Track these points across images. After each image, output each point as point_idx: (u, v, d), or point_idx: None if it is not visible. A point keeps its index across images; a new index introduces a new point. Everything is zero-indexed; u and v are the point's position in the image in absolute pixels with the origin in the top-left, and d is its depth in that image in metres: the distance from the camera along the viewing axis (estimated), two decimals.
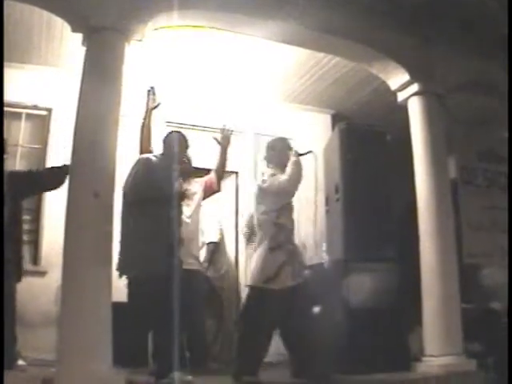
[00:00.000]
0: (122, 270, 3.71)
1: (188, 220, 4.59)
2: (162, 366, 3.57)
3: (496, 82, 5.05)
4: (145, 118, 4.31)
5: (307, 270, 4.08)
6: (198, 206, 4.80)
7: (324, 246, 5.02)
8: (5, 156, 4.07)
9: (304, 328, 3.88)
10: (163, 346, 3.54)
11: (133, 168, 3.91)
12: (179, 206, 3.98)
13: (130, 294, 3.73)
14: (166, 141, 4.19)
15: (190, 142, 4.31)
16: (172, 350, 3.54)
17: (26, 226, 4.99)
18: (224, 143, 4.63)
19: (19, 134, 5.36)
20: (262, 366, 3.84)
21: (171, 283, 3.54)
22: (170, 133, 4.28)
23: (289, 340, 3.96)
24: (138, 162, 3.95)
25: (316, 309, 3.97)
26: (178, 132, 4.32)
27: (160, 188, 3.80)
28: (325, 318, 4.51)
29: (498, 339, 4.35)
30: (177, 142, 4.16)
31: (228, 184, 5.94)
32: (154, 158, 4.01)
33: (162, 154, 4.11)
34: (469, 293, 4.67)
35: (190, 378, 3.57)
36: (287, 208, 4.07)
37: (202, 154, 5.22)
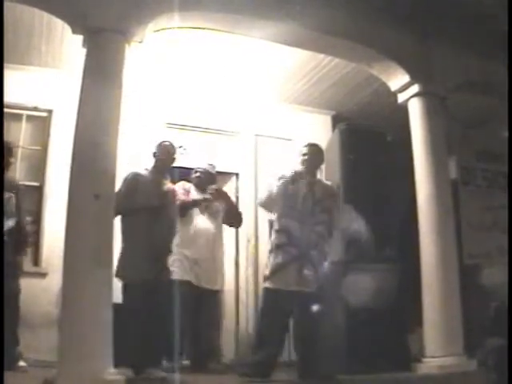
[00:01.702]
0: (116, 274, 3.86)
1: (203, 237, 4.66)
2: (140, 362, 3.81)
3: (496, 81, 5.05)
4: None
5: (320, 278, 3.90)
6: (219, 217, 4.86)
7: None
8: (12, 160, 4.30)
9: (309, 329, 3.87)
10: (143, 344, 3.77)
11: (123, 183, 4.11)
12: (167, 216, 4.21)
13: (123, 298, 3.92)
14: (157, 152, 4.34)
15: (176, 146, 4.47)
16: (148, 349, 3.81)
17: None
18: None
19: (20, 135, 5.36)
20: (273, 367, 3.82)
21: (155, 291, 3.80)
22: (159, 144, 4.37)
23: (296, 341, 3.97)
24: (127, 176, 4.17)
25: (319, 310, 3.95)
26: (167, 142, 4.40)
27: (147, 199, 4.06)
28: (326, 318, 4.51)
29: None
30: (166, 154, 4.33)
31: (229, 186, 5.95)
32: (143, 172, 4.25)
33: (154, 167, 4.31)
34: (469, 293, 4.66)
35: (163, 374, 3.78)
36: (287, 213, 3.99)
37: (202, 155, 5.24)
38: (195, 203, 4.67)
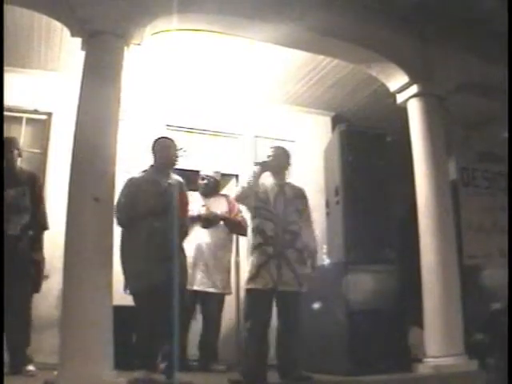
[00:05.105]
0: (125, 288, 3.82)
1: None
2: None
3: (496, 82, 5.05)
4: None
5: (302, 279, 3.87)
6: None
7: (324, 248, 5.02)
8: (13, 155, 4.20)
9: (290, 329, 3.83)
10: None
11: (122, 190, 3.90)
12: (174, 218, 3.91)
13: (136, 307, 3.81)
14: (155, 149, 4.10)
15: (178, 145, 4.16)
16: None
17: None
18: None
19: (20, 138, 5.32)
20: (265, 371, 3.79)
21: (165, 297, 3.57)
22: (156, 140, 4.16)
23: (277, 341, 3.92)
24: (127, 183, 3.95)
25: (302, 309, 3.94)
26: (165, 138, 4.21)
27: (150, 203, 3.84)
28: (326, 319, 4.51)
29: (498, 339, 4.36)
30: (166, 150, 4.07)
31: (228, 187, 5.95)
32: (141, 175, 4.00)
33: (152, 166, 4.07)
34: (469, 294, 4.67)
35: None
36: (260, 213, 3.98)
37: (202, 156, 5.23)
38: (199, 219, 4.78)
